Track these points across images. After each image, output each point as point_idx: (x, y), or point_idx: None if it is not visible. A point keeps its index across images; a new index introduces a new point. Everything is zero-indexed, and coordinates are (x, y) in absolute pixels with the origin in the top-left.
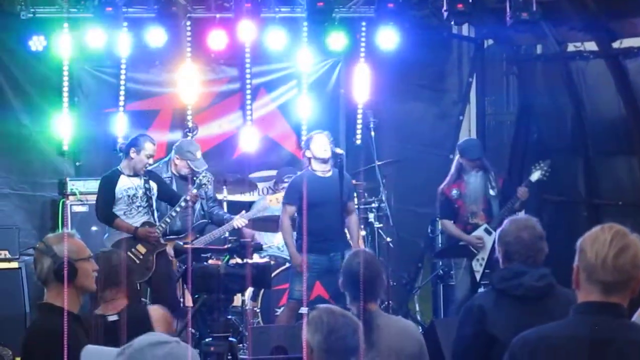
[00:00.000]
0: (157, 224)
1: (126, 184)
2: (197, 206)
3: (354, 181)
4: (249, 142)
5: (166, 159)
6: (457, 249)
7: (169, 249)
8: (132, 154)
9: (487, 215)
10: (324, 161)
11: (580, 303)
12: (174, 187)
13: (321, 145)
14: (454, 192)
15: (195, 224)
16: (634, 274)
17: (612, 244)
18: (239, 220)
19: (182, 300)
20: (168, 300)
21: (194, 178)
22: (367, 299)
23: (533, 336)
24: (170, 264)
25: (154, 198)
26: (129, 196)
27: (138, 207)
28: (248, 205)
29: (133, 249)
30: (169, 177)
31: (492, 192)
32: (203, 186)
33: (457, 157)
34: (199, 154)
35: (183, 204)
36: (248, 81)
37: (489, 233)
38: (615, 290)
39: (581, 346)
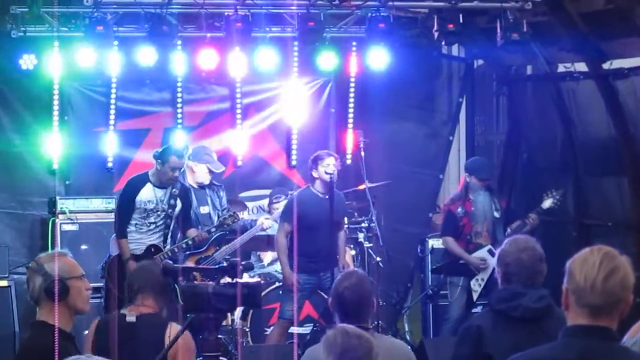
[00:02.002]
0: (164, 250)
1: (148, 196)
2: (214, 217)
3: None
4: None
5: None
6: (457, 267)
7: (190, 264)
8: (158, 165)
9: (490, 236)
10: (328, 184)
11: (569, 326)
12: (193, 199)
13: (330, 168)
14: (459, 209)
15: (213, 236)
16: (623, 297)
17: (601, 266)
18: (266, 221)
19: None
20: None
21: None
22: (358, 320)
23: None
24: None
25: (173, 217)
26: (145, 209)
27: (150, 224)
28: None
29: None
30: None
31: (496, 214)
32: (225, 226)
33: (464, 175)
34: (215, 156)
35: (190, 242)
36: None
37: (492, 255)
38: (604, 313)
39: None
